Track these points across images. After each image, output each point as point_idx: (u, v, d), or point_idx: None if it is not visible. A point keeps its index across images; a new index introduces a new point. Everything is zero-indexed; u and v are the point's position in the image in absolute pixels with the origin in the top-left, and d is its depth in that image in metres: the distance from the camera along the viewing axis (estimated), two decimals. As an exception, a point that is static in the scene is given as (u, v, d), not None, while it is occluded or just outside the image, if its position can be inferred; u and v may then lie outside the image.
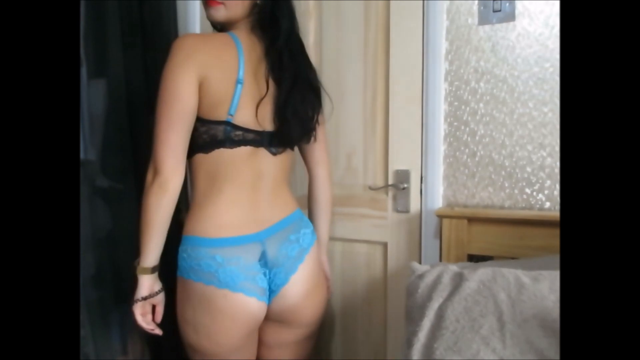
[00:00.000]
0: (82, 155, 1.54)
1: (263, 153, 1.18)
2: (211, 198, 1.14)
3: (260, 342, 1.27)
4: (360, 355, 1.78)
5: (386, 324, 1.71)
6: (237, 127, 1.13)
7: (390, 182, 1.67)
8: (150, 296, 1.16)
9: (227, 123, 1.12)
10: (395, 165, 1.66)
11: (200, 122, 1.12)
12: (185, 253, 1.14)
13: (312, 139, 1.29)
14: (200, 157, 1.15)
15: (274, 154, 1.20)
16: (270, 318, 1.21)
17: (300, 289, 1.20)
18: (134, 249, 1.69)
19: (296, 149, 1.33)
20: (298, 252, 1.21)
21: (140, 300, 1.15)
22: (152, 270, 1.15)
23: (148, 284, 1.15)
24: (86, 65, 1.54)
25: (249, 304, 1.12)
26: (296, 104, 1.19)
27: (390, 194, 1.69)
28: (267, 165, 1.20)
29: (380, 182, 1.70)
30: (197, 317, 1.14)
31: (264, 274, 1.15)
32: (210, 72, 1.09)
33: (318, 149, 1.35)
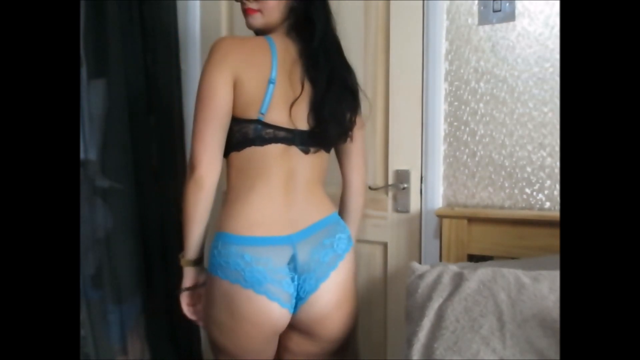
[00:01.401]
0: (82, 155, 1.54)
1: (295, 151, 1.17)
2: (243, 195, 1.14)
3: (285, 349, 1.23)
4: (360, 355, 1.78)
5: (386, 324, 1.71)
6: (267, 125, 1.13)
7: (390, 182, 1.67)
8: (195, 287, 1.21)
9: (257, 121, 1.13)
10: (395, 165, 1.66)
11: (235, 121, 1.14)
12: (216, 249, 1.12)
13: (349, 139, 1.27)
14: (233, 155, 1.17)
15: (306, 152, 1.18)
16: (295, 327, 1.17)
17: (331, 298, 1.14)
18: (134, 249, 1.70)
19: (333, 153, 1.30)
20: (332, 258, 1.16)
21: (184, 291, 1.21)
22: (195, 262, 1.19)
23: (192, 275, 1.21)
24: (86, 65, 1.55)
25: (270, 309, 1.09)
26: (332, 105, 1.18)
27: (390, 194, 1.69)
28: (300, 164, 1.18)
29: (380, 182, 1.70)
30: (220, 316, 1.13)
31: (292, 279, 1.11)
32: (244, 72, 1.11)
33: (354, 155, 1.32)
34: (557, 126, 1.44)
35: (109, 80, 1.62)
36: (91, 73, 1.57)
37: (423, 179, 1.62)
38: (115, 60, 1.63)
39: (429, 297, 1.11)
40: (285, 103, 1.15)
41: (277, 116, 1.14)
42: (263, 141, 1.14)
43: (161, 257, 1.79)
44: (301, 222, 1.15)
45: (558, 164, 1.45)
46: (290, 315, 1.13)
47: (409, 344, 1.00)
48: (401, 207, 1.66)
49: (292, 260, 1.11)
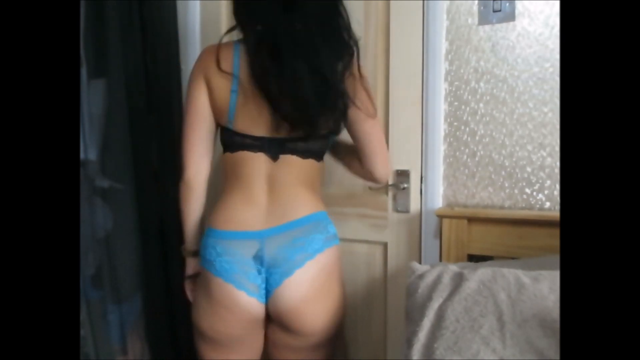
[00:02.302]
0: (82, 155, 1.54)
1: (264, 158, 1.20)
2: (225, 194, 1.23)
3: (271, 341, 1.28)
4: (360, 355, 1.78)
5: (386, 324, 1.71)
6: (235, 133, 1.20)
7: (390, 182, 1.67)
8: (196, 275, 1.31)
9: (228, 129, 1.21)
10: (395, 165, 1.66)
11: (218, 128, 1.24)
12: (202, 242, 1.23)
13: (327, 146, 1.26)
14: (221, 159, 1.27)
15: (274, 159, 1.20)
16: (270, 319, 1.22)
17: (295, 294, 1.16)
18: (134, 249, 1.70)
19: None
20: (300, 256, 1.17)
21: (187, 279, 1.34)
22: (194, 253, 1.31)
23: (192, 264, 1.34)
24: (86, 65, 1.54)
25: (238, 297, 1.16)
26: (294, 112, 1.13)
27: (390, 194, 1.69)
28: (273, 169, 1.20)
29: (380, 182, 1.70)
30: (200, 300, 1.24)
31: (258, 272, 1.17)
32: (212, 81, 1.18)
33: (365, 155, 1.23)
34: (557, 126, 1.44)
35: (109, 80, 1.62)
36: (91, 73, 1.57)
37: (423, 179, 1.62)
38: (115, 60, 1.63)
39: (429, 297, 1.11)
40: (253, 110, 1.16)
41: (244, 124, 1.18)
42: (234, 148, 1.21)
43: (161, 257, 1.79)
44: (274, 220, 1.19)
45: (558, 164, 1.45)
46: (263, 305, 1.19)
47: (409, 344, 1.00)
48: (401, 207, 1.66)
49: (259, 254, 1.17)
